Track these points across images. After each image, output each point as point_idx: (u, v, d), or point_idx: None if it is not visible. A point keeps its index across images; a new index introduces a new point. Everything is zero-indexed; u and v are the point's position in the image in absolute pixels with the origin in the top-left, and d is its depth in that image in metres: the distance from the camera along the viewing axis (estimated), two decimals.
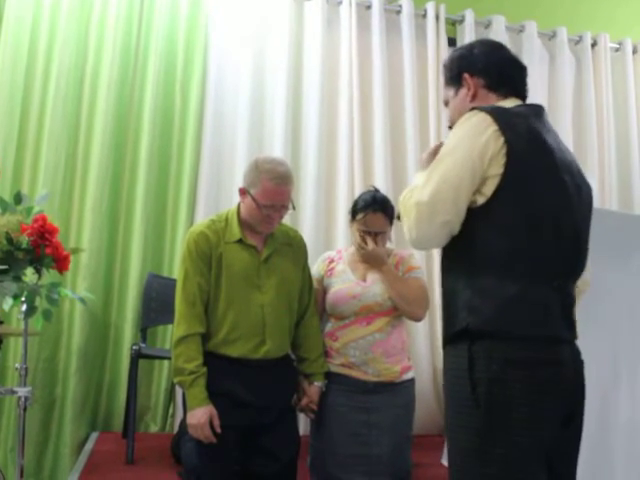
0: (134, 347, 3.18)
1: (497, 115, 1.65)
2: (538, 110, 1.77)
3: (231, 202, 3.02)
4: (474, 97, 1.79)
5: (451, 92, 1.87)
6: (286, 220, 3.47)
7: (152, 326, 3.54)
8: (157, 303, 3.46)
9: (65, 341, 3.58)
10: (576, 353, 1.74)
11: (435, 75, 4.12)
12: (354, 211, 2.84)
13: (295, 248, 2.71)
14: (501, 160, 1.61)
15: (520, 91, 1.81)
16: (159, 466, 2.98)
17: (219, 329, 2.52)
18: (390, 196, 3.16)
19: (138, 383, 3.26)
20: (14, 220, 2.39)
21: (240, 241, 2.56)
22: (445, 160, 1.68)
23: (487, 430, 1.58)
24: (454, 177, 1.63)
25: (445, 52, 4.15)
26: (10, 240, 2.37)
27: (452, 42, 4.31)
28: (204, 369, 2.45)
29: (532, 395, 1.58)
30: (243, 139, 3.75)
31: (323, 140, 3.80)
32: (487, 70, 1.78)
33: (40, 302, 2.62)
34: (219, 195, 3.70)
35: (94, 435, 3.52)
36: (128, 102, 3.73)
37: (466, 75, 1.81)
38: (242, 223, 2.59)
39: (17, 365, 2.84)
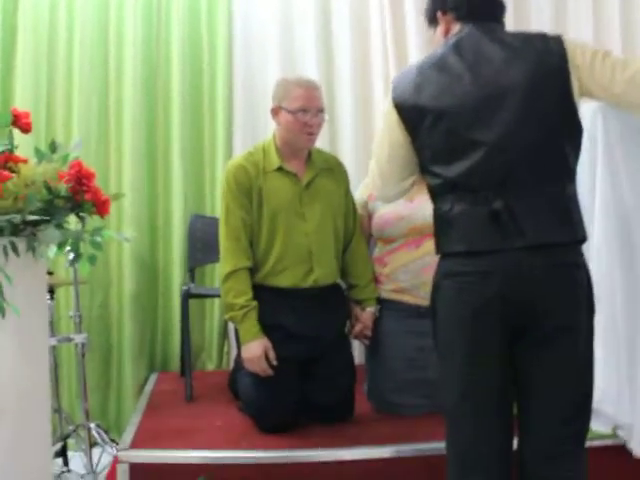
0: (184, 288, 3.18)
1: (395, 97, 1.81)
2: (477, 29, 1.79)
3: (267, 133, 2.93)
4: (447, 32, 1.86)
5: (432, 32, 1.94)
6: (326, 146, 3.43)
7: (199, 265, 3.53)
8: (202, 243, 3.43)
9: (116, 287, 3.60)
10: (522, 260, 1.64)
11: None
12: None
13: (336, 173, 2.65)
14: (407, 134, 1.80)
15: (485, 13, 1.83)
16: (218, 401, 2.99)
17: (265, 261, 2.49)
18: None
19: (191, 323, 3.27)
20: (51, 169, 2.35)
21: (280, 169, 2.51)
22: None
23: (432, 333, 1.84)
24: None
25: None
26: (49, 189, 2.34)
27: None
28: (255, 302, 2.43)
29: (452, 301, 1.73)
30: (274, 66, 3.62)
31: (357, 60, 3.64)
32: (456, 3, 1.84)
33: (85, 248, 2.60)
34: (255, 127, 3.58)
35: (153, 376, 3.56)
36: (155, 40, 3.63)
37: (439, 13, 1.88)
38: (280, 150, 2.54)
39: (71, 313, 2.88)
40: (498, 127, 1.66)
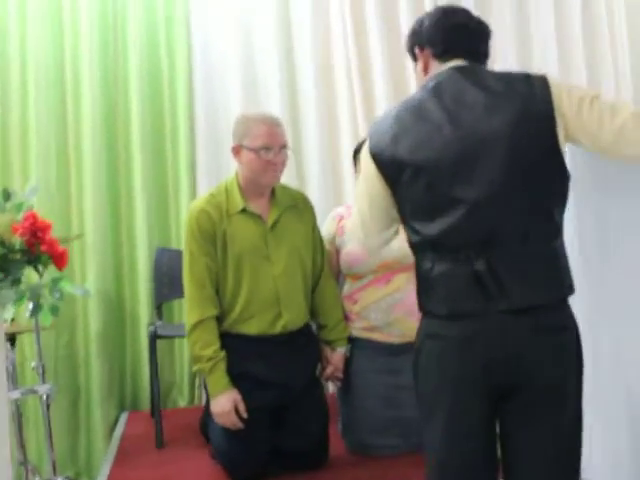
0: (150, 328, 3.09)
1: (371, 147, 1.74)
2: (458, 71, 1.71)
3: (231, 166, 2.86)
4: (426, 69, 1.80)
5: (414, 66, 1.88)
6: (292, 181, 3.36)
7: (166, 301, 3.45)
8: (168, 277, 3.35)
9: (82, 326, 3.50)
10: (506, 324, 1.57)
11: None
12: (355, 154, 2.71)
13: (302, 210, 2.59)
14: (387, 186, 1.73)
15: (463, 52, 1.75)
16: (190, 446, 2.90)
17: (232, 308, 2.42)
18: None
19: (160, 360, 3.19)
20: (4, 221, 2.26)
21: (244, 211, 2.44)
22: None
23: (415, 393, 1.75)
24: None
25: None
26: (2, 243, 2.25)
27: None
28: (222, 353, 2.36)
29: (433, 364, 1.66)
30: (237, 101, 3.55)
31: (321, 92, 3.57)
32: (432, 40, 1.78)
33: (45, 297, 2.51)
34: (219, 158, 3.51)
35: (124, 417, 3.47)
36: (113, 79, 3.52)
37: (416, 49, 1.82)
38: (243, 190, 2.47)
39: (33, 364, 2.78)
40: (480, 184, 1.58)
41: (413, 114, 1.70)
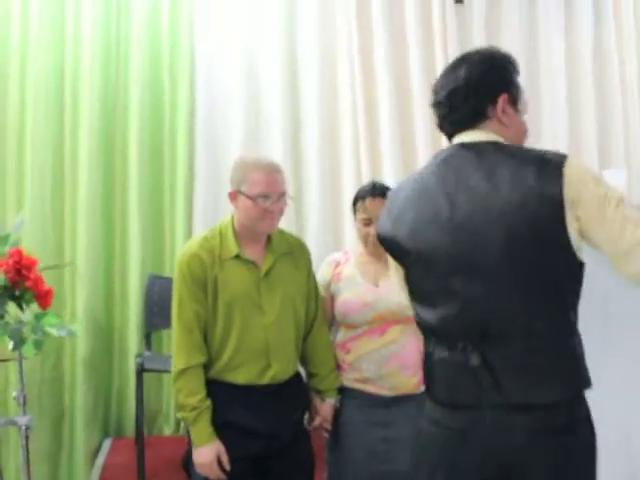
0: (137, 360, 3.03)
1: (377, 228, 1.81)
2: (465, 149, 1.64)
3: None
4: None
5: None
6: (290, 224, 3.30)
7: (156, 330, 3.39)
8: (159, 307, 3.30)
9: (69, 349, 3.46)
10: (500, 420, 1.51)
11: (442, 37, 3.78)
12: (354, 201, 2.64)
13: (297, 256, 2.51)
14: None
15: (464, 125, 1.68)
16: None
17: (220, 355, 2.35)
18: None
19: (147, 386, 3.15)
20: None
21: (237, 257, 2.36)
22: None
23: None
24: None
25: (451, 9, 3.80)
26: None
27: None
28: (207, 402, 2.29)
29: (431, 449, 1.66)
30: (238, 131, 3.51)
31: (325, 130, 3.53)
32: (434, 108, 1.76)
33: (29, 331, 2.44)
34: (217, 187, 3.47)
35: (107, 443, 3.43)
36: (113, 99, 3.51)
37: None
38: (238, 235, 2.39)
39: (14, 394, 2.72)
40: (476, 277, 1.51)
41: (416, 190, 1.65)
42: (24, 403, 2.71)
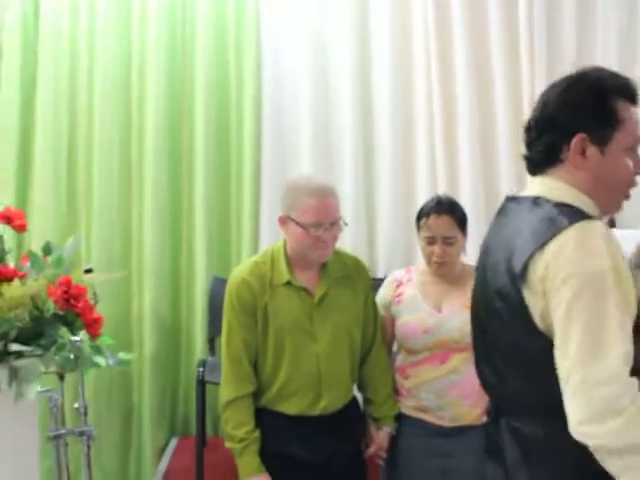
0: (199, 370, 2.99)
1: None
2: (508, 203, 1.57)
3: None
4: None
5: None
6: (360, 238, 3.20)
7: (219, 335, 3.35)
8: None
9: (137, 347, 3.47)
10: None
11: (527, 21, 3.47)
12: (418, 218, 2.48)
13: (355, 279, 2.38)
14: None
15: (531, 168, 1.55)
16: None
17: (271, 384, 2.28)
18: (480, 199, 2.79)
19: (211, 387, 3.12)
20: (38, 286, 2.17)
21: (289, 283, 2.27)
22: None
23: None
24: None
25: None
26: (37, 307, 2.16)
27: None
28: (255, 434, 2.23)
29: None
30: (305, 119, 3.38)
31: (399, 125, 3.35)
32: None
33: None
34: (283, 184, 3.38)
35: (173, 442, 3.45)
36: (180, 83, 3.46)
37: None
38: (290, 260, 2.29)
39: (76, 405, 2.75)
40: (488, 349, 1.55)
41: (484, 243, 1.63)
42: (85, 413, 2.74)
